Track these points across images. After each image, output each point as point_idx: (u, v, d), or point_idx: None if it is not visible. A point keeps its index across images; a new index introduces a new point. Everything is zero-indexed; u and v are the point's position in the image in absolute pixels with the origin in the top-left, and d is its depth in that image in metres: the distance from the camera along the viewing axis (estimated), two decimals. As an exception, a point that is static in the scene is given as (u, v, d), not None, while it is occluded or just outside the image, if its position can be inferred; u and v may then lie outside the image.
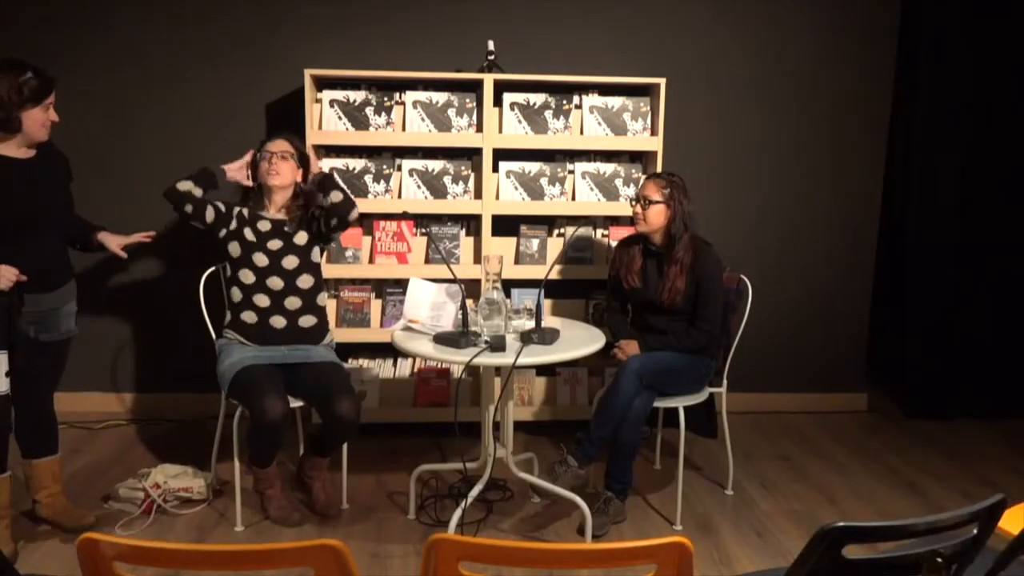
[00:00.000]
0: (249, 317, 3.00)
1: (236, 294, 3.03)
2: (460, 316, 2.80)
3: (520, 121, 3.79)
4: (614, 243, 3.56)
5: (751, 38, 4.09)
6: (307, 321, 3.05)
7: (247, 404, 2.81)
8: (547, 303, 3.89)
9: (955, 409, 4.29)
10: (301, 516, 3.02)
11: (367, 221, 3.79)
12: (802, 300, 4.30)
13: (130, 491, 3.08)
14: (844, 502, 3.30)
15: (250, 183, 3.10)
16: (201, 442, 3.61)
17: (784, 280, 4.25)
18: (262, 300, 3.00)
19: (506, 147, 3.77)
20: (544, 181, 3.82)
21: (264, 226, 3.03)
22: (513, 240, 3.88)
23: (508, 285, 3.57)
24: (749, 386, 4.20)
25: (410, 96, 3.74)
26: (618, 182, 3.85)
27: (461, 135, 3.75)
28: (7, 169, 2.55)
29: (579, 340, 2.86)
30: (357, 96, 3.72)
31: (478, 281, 3.58)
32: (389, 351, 3.90)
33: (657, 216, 3.08)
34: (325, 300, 3.14)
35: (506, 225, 3.84)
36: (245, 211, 3.07)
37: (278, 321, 3.00)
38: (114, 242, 2.94)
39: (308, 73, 3.59)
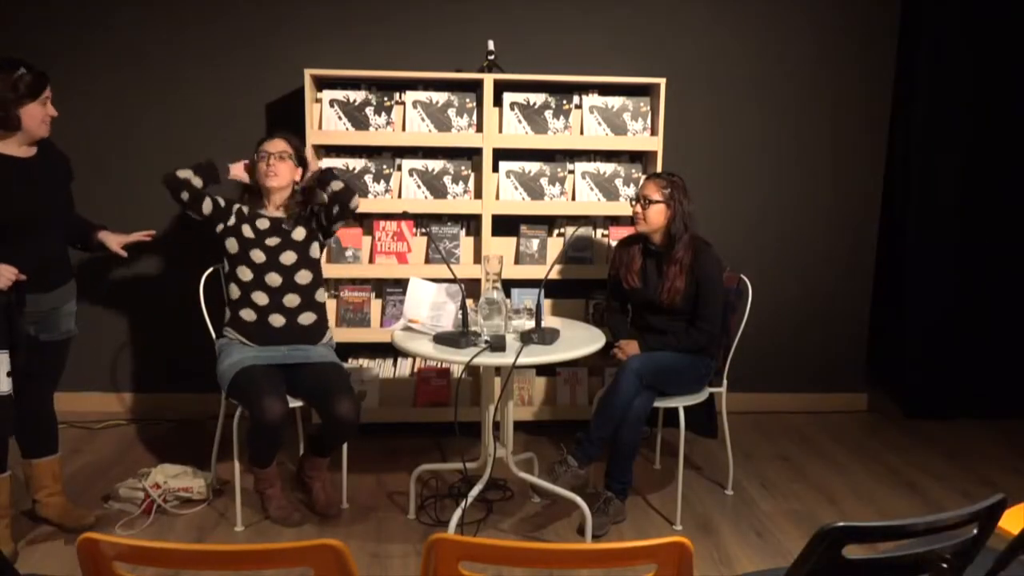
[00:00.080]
0: (248, 315, 3.00)
1: (234, 291, 3.03)
2: (460, 316, 2.80)
3: (520, 121, 3.79)
4: (614, 243, 3.56)
5: (751, 38, 4.09)
6: (306, 319, 3.05)
7: (246, 404, 2.81)
8: (547, 303, 3.89)
9: (955, 409, 4.29)
10: (301, 516, 3.02)
11: (367, 221, 3.79)
12: (802, 300, 4.30)
13: (130, 491, 3.08)
14: (844, 502, 3.30)
15: (247, 180, 3.11)
16: (201, 442, 3.61)
17: (784, 280, 4.25)
18: (260, 298, 2.99)
19: (506, 147, 3.77)
20: (544, 181, 3.82)
21: (263, 224, 3.03)
22: (513, 240, 3.88)
23: (508, 285, 3.57)
24: (749, 386, 4.20)
25: (410, 96, 3.74)
26: (618, 182, 3.85)
27: (461, 135, 3.75)
28: (8, 168, 2.55)
29: (579, 340, 2.86)
30: (357, 96, 3.72)
31: (478, 281, 3.58)
32: (389, 351, 3.90)
33: (657, 216, 3.08)
34: (324, 296, 3.13)
35: (506, 225, 3.84)
36: (245, 208, 3.07)
37: (277, 320, 3.00)
38: (114, 241, 2.95)
39: (308, 73, 3.59)
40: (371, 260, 3.80)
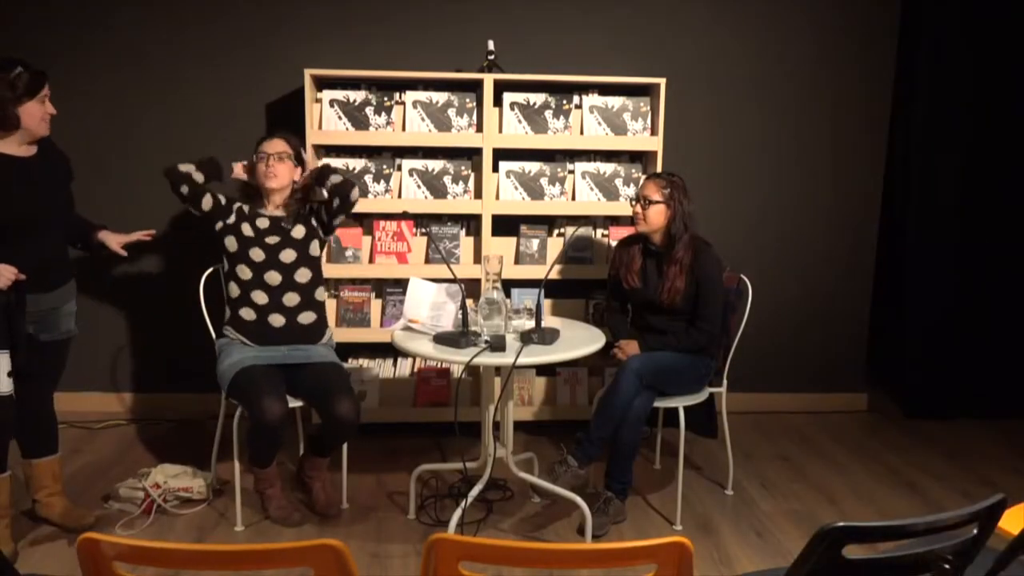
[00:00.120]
0: (248, 314, 3.00)
1: (234, 290, 3.03)
2: (460, 316, 2.80)
3: (520, 121, 3.79)
4: (614, 243, 3.56)
5: (751, 38, 4.09)
6: (306, 318, 3.05)
7: (246, 404, 2.81)
8: (547, 303, 3.89)
9: (955, 409, 4.29)
10: (301, 516, 3.02)
11: (367, 221, 3.79)
12: (802, 300, 4.30)
13: (130, 491, 3.08)
14: (844, 502, 3.30)
15: (246, 177, 3.11)
16: (201, 442, 3.61)
17: (784, 280, 4.25)
18: (260, 297, 2.99)
19: (506, 147, 3.77)
20: (544, 181, 3.82)
21: (262, 223, 3.03)
22: (513, 240, 3.88)
23: (508, 285, 3.57)
24: (749, 386, 4.20)
25: (410, 96, 3.74)
26: (618, 182, 3.85)
27: (461, 135, 3.75)
28: (7, 168, 2.55)
29: (579, 340, 2.86)
30: (357, 96, 3.72)
31: (478, 281, 3.58)
32: (389, 351, 3.90)
33: (657, 216, 3.08)
34: (324, 295, 3.13)
35: (506, 225, 3.84)
36: (245, 207, 3.07)
37: (276, 319, 3.00)
38: (114, 241, 2.95)
39: (308, 73, 3.59)
40: (371, 260, 3.80)
